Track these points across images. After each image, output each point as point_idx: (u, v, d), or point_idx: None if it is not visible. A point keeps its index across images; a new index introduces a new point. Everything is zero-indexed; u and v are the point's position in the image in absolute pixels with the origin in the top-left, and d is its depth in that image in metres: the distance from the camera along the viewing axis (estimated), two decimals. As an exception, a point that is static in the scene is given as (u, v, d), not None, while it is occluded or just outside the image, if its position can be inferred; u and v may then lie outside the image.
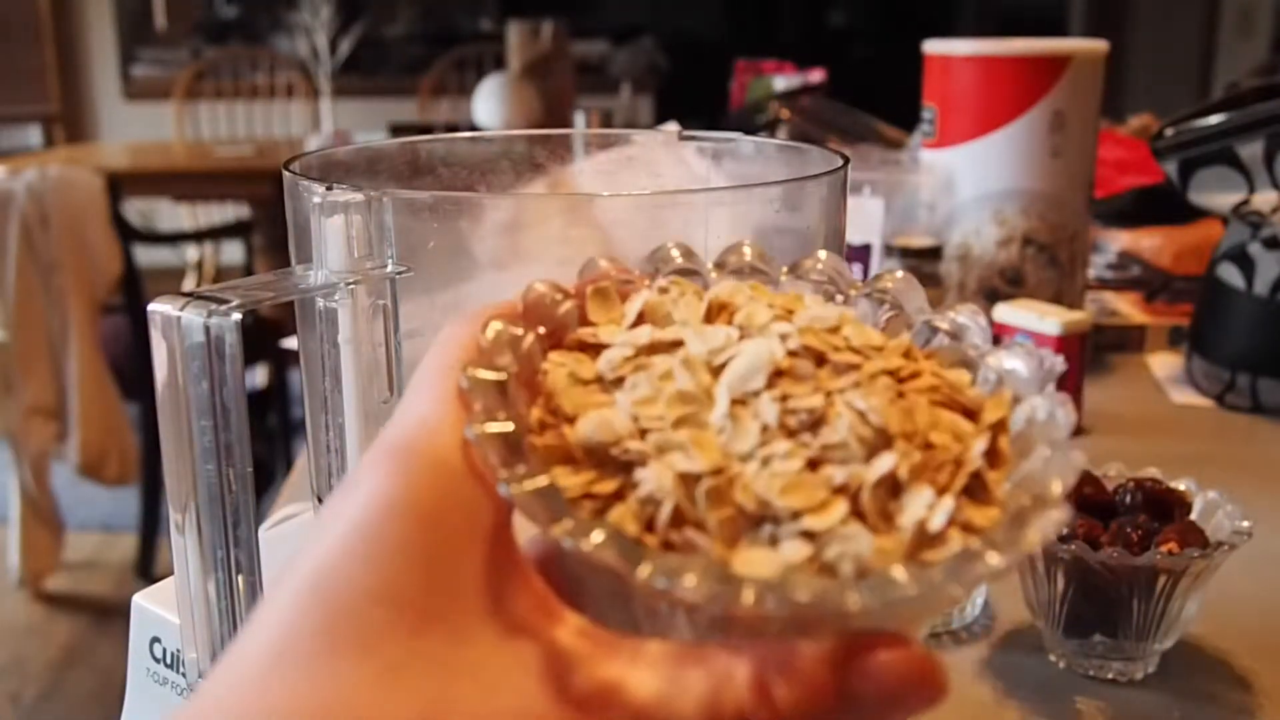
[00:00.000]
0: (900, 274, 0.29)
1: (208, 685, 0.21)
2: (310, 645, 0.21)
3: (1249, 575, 0.60)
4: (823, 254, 0.30)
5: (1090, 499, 0.55)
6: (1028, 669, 0.55)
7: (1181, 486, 0.56)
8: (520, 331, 0.25)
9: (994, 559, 0.21)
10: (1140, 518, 0.53)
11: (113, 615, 2.18)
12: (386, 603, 0.21)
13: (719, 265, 0.29)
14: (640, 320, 0.26)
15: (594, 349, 0.26)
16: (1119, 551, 0.50)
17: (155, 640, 0.44)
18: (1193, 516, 0.54)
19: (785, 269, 0.30)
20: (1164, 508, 0.55)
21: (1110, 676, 0.54)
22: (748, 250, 0.29)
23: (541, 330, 0.26)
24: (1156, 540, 0.51)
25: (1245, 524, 0.52)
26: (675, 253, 0.29)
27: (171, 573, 0.36)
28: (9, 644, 2.11)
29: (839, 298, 0.29)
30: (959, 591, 0.21)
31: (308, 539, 0.23)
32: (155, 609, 0.44)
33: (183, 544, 0.34)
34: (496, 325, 0.25)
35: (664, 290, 0.27)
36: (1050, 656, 0.55)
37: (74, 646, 2.10)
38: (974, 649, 0.57)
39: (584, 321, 0.27)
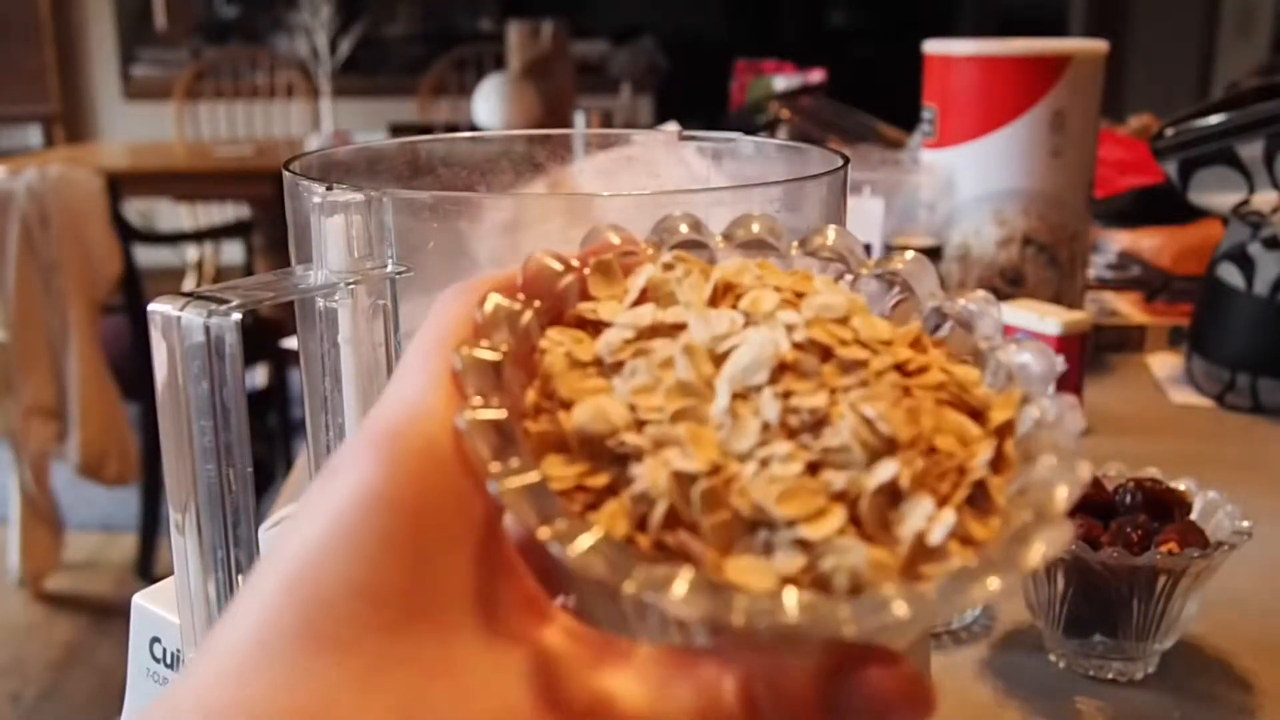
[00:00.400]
0: (911, 255, 0.28)
1: (186, 676, 0.21)
2: (289, 641, 0.20)
3: (1249, 575, 0.60)
4: (832, 230, 0.29)
5: (1090, 499, 0.55)
6: (1028, 669, 0.55)
7: (1181, 486, 0.56)
8: (518, 306, 0.25)
9: (993, 583, 0.20)
10: (1140, 518, 0.53)
11: (113, 615, 2.18)
12: (368, 599, 0.20)
13: (726, 237, 0.28)
14: (643, 297, 0.26)
15: (594, 326, 0.25)
16: (1119, 551, 0.50)
17: (155, 640, 0.44)
18: (1193, 516, 0.54)
19: (796, 243, 0.29)
20: (1164, 508, 0.55)
21: (1110, 676, 0.54)
22: (756, 225, 0.28)
23: (539, 304, 0.25)
24: (1156, 540, 0.51)
25: (1245, 524, 0.52)
26: (682, 225, 0.28)
27: (171, 573, 0.36)
28: (9, 644, 2.11)
29: (848, 277, 0.28)
30: (950, 614, 0.21)
31: (291, 525, 0.22)
32: (155, 609, 0.44)
33: (183, 544, 0.34)
34: (495, 299, 0.24)
35: (669, 266, 0.26)
36: (1050, 656, 0.55)
37: (74, 646, 2.10)
38: (974, 649, 0.57)
39: (585, 295, 0.26)
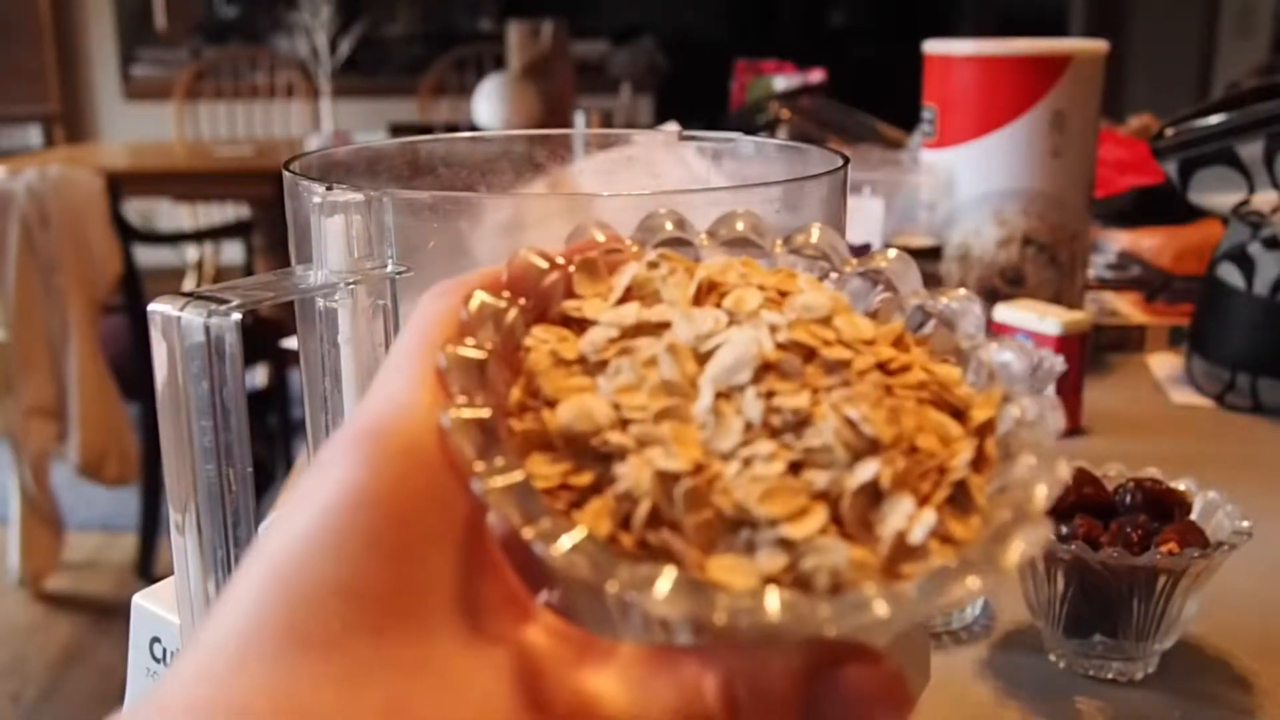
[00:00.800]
0: (894, 253, 0.28)
1: (171, 677, 0.21)
2: (274, 641, 0.20)
3: (1249, 575, 0.60)
4: (816, 228, 0.29)
5: (1090, 499, 0.55)
6: (1028, 669, 0.55)
7: (1181, 486, 0.56)
8: (503, 304, 0.25)
9: (973, 583, 0.21)
10: (1140, 518, 0.53)
11: (113, 615, 2.18)
12: (353, 599, 0.21)
13: (710, 235, 0.29)
14: (627, 296, 0.26)
15: (579, 324, 0.25)
16: (1119, 551, 0.50)
17: (155, 640, 0.44)
18: (1193, 516, 0.54)
19: (780, 241, 0.29)
20: (1164, 508, 0.55)
21: (1110, 676, 0.54)
22: (740, 223, 0.29)
23: (523, 302, 0.25)
24: (1156, 540, 0.51)
25: (1245, 524, 0.52)
26: (667, 223, 0.28)
27: (171, 573, 0.36)
28: (9, 644, 2.11)
29: (833, 275, 0.29)
30: (930, 612, 0.21)
31: (276, 522, 0.22)
32: (155, 609, 0.44)
33: (183, 544, 0.34)
34: (480, 297, 0.25)
35: (653, 265, 0.26)
36: (1050, 656, 0.55)
37: (74, 646, 2.10)
38: (974, 649, 0.57)
39: (570, 293, 0.26)
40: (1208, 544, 0.51)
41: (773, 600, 0.20)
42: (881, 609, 0.20)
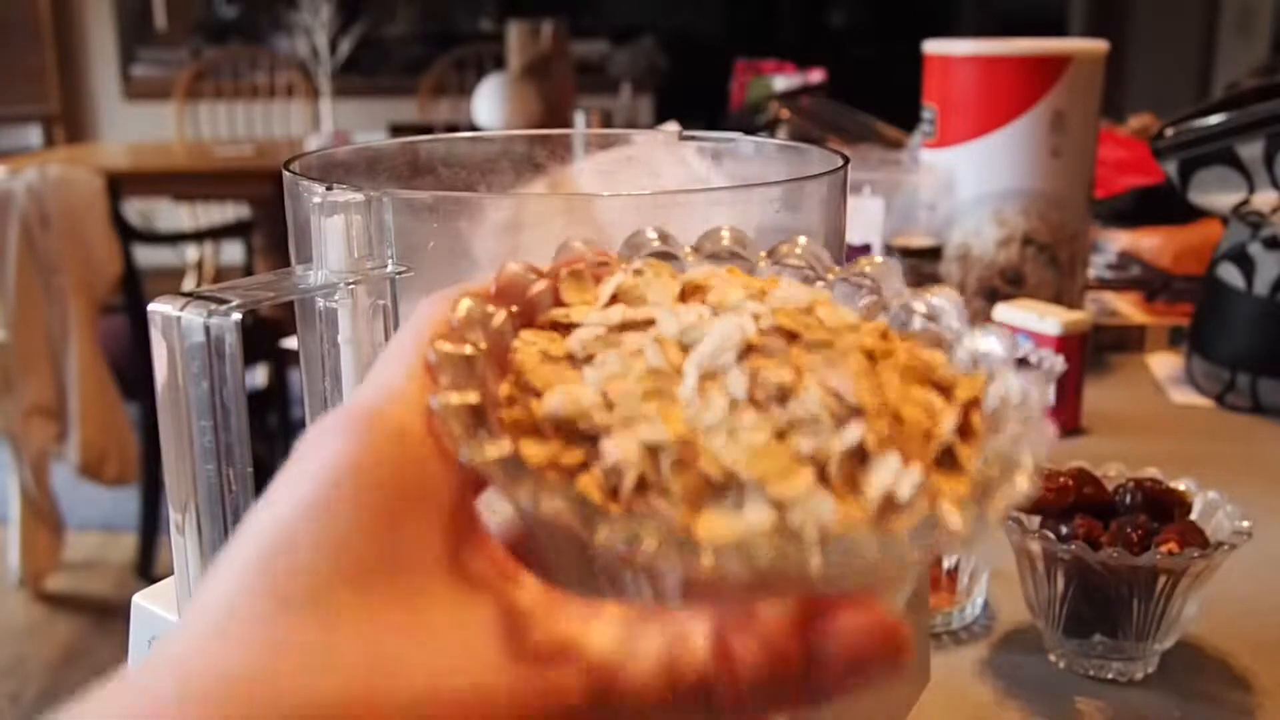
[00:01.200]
0: (879, 258, 0.29)
1: (162, 647, 0.21)
2: (262, 604, 0.21)
3: (1249, 575, 0.60)
4: (801, 240, 0.29)
5: (1090, 499, 0.55)
6: (1028, 669, 0.55)
7: (1181, 486, 0.56)
8: (491, 310, 0.25)
9: (954, 520, 0.21)
10: (1140, 518, 0.53)
11: (113, 615, 2.18)
12: (338, 559, 0.21)
13: (696, 249, 0.29)
14: (614, 302, 0.26)
15: (566, 329, 0.26)
16: (1119, 551, 0.50)
17: (155, 640, 0.44)
18: (1193, 516, 0.54)
19: (764, 254, 0.29)
20: (1164, 508, 0.55)
21: (1110, 676, 0.54)
22: (725, 235, 0.29)
23: (513, 309, 0.26)
24: (1156, 540, 0.51)
25: (1245, 524, 0.52)
26: (652, 237, 0.29)
27: (171, 573, 0.36)
28: (9, 644, 2.11)
29: (818, 284, 0.29)
30: (922, 556, 0.21)
31: (265, 499, 0.22)
32: (155, 609, 0.44)
33: (183, 544, 0.34)
34: (468, 303, 0.25)
35: (638, 272, 0.27)
36: (1050, 656, 0.55)
37: (74, 646, 2.10)
38: (974, 649, 0.57)
39: (557, 303, 0.27)
40: (1208, 544, 0.51)
41: (761, 542, 0.20)
42: (870, 548, 0.20)
